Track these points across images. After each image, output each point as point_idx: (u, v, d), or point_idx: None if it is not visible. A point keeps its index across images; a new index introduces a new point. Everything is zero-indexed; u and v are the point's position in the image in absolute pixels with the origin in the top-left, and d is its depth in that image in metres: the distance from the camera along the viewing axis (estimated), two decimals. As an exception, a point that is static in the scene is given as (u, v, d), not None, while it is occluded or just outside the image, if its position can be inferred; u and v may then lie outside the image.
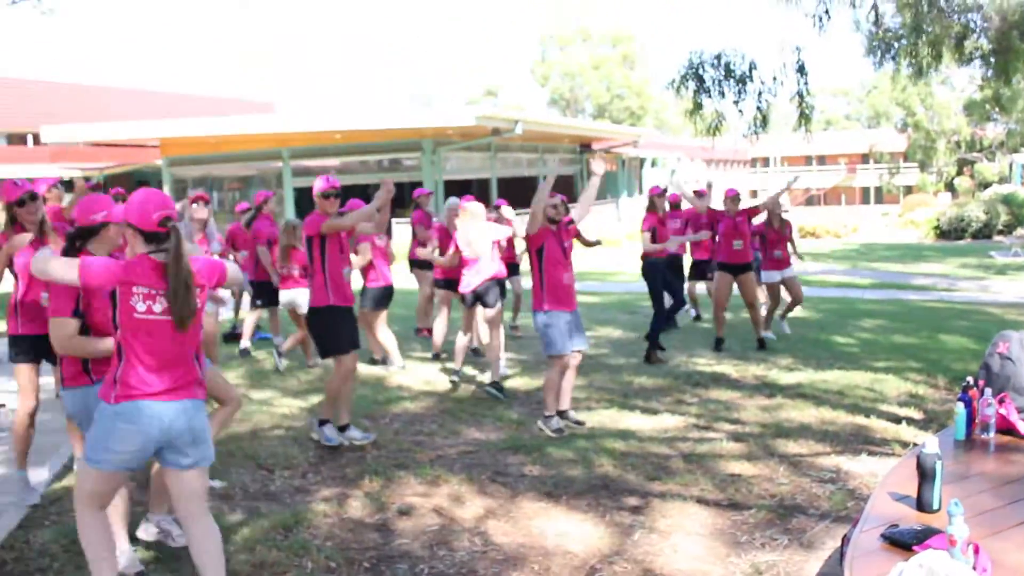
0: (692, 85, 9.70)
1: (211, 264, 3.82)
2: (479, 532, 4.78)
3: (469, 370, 8.62)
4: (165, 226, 3.56)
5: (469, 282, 7.89)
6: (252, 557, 4.41)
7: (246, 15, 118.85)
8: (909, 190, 50.44)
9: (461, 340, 8.17)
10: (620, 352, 9.58)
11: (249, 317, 9.88)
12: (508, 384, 8.01)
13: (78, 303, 3.92)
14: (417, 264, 10.37)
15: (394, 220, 17.20)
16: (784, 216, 10.43)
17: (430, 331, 9.98)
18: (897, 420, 6.67)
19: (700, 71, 9.62)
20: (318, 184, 6.25)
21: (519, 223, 8.91)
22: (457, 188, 22.85)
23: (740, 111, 9.70)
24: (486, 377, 8.20)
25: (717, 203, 10.51)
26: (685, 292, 11.12)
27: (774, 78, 9.47)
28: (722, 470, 5.65)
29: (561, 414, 6.73)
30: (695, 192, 12.06)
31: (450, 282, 8.68)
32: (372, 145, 24.71)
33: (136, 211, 3.57)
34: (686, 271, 11.55)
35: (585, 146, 34.56)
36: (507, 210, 9.41)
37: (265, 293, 9.49)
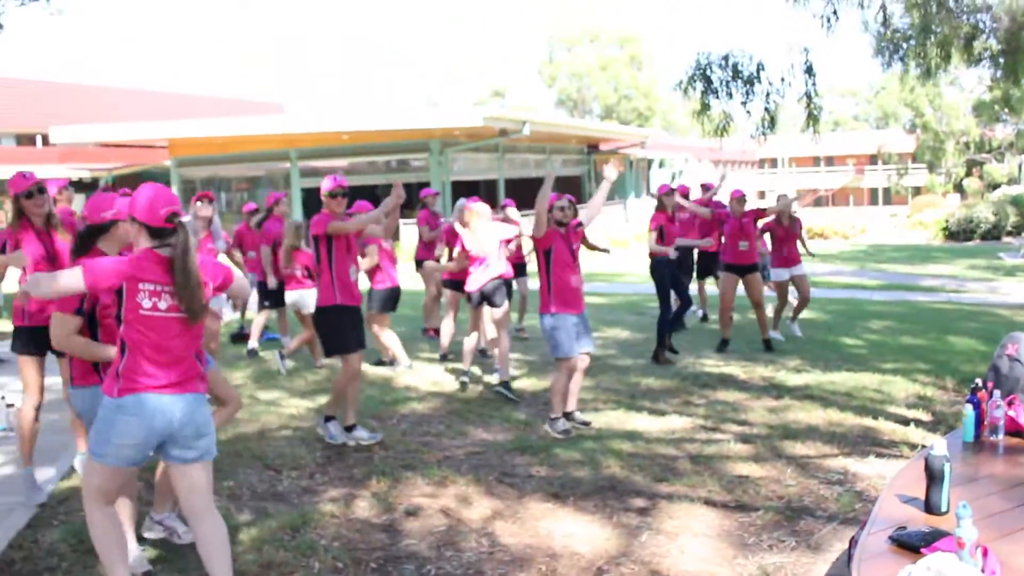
0: (700, 86, 9.68)
1: (216, 264, 3.83)
2: (486, 533, 4.77)
3: (476, 370, 8.63)
4: (172, 222, 3.57)
5: (476, 279, 7.89)
6: (259, 557, 4.41)
7: (246, 15, 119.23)
8: (917, 191, 50.36)
9: (469, 342, 8.17)
10: (627, 353, 9.57)
11: (258, 318, 9.90)
12: (515, 385, 8.00)
13: (83, 302, 3.93)
14: (423, 264, 10.37)
15: (402, 221, 17.24)
16: (793, 214, 10.41)
17: (437, 331, 9.99)
18: (905, 422, 6.65)
19: (708, 72, 9.60)
20: (325, 183, 6.27)
21: (525, 223, 8.93)
22: (464, 189, 22.87)
23: (748, 112, 9.68)
24: (493, 378, 8.21)
25: (723, 197, 10.51)
26: (694, 291, 11.11)
27: (782, 79, 9.45)
28: (729, 471, 5.64)
29: (567, 415, 6.73)
30: (702, 185, 12.02)
31: (458, 283, 8.69)
32: (380, 146, 24.73)
33: (144, 207, 3.58)
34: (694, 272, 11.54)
35: (592, 147, 34.53)
36: (513, 211, 9.41)
37: (273, 294, 9.51)
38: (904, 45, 11.41)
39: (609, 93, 64.52)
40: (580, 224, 6.82)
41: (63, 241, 5.24)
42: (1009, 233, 29.16)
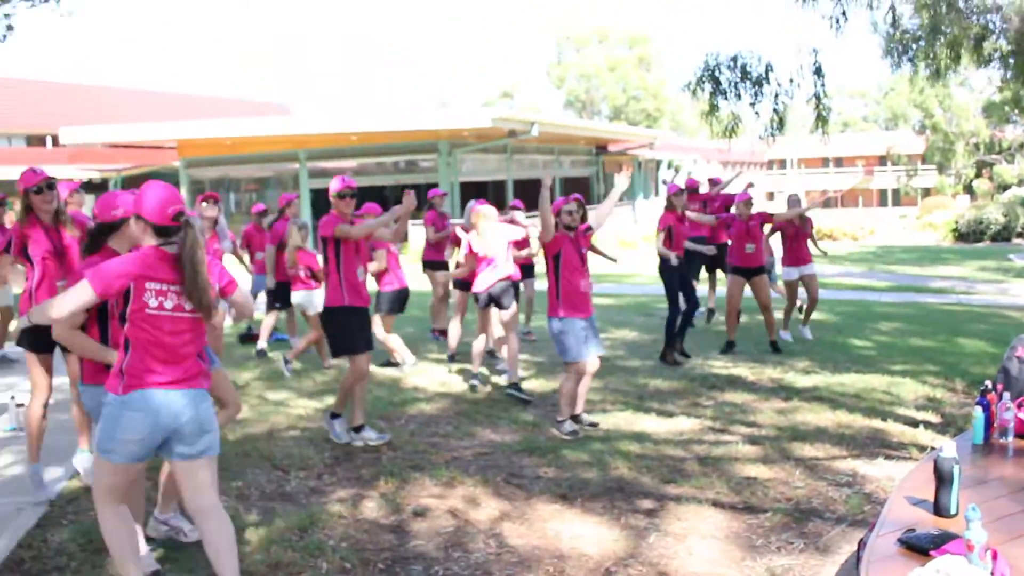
0: (708, 87, 9.69)
1: (222, 269, 3.84)
2: (494, 534, 4.77)
3: (484, 371, 8.62)
4: (178, 220, 3.59)
5: (483, 280, 7.89)
6: (267, 557, 4.42)
7: (246, 15, 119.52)
8: (927, 192, 50.22)
9: (478, 345, 8.17)
10: (635, 354, 9.57)
11: (267, 319, 9.92)
12: (523, 386, 8.00)
13: None
14: (430, 265, 10.39)
15: (410, 222, 17.32)
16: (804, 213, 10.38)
17: (444, 332, 10.00)
18: (914, 424, 6.62)
19: (716, 73, 9.61)
20: (334, 184, 6.28)
21: (532, 229, 8.95)
22: (473, 190, 22.91)
23: (756, 113, 9.69)
24: (501, 379, 8.21)
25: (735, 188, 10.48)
26: (703, 291, 11.08)
27: (791, 80, 9.46)
28: (738, 473, 5.63)
29: (575, 418, 6.73)
30: (709, 180, 12.00)
31: (466, 283, 8.69)
32: (388, 147, 24.79)
33: (151, 206, 3.59)
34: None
35: (601, 148, 34.54)
36: (520, 216, 9.42)
37: (283, 295, 9.53)
38: (913, 46, 11.39)
39: (618, 94, 64.50)
40: (590, 228, 6.83)
41: (72, 237, 5.25)
42: (1019, 234, 29.07)
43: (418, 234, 18.58)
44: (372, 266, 8.27)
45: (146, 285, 3.52)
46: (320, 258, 6.78)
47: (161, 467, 4.62)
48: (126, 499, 3.79)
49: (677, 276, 9.09)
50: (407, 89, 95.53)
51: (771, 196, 52.59)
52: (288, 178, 26.01)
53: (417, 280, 10.86)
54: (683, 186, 9.71)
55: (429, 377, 8.57)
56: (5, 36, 14.72)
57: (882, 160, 55.90)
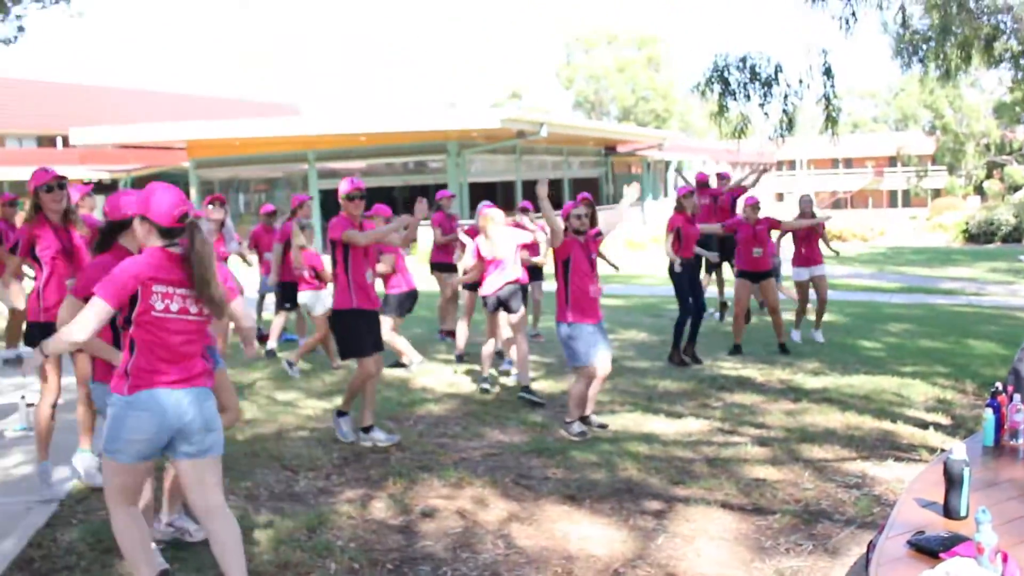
0: (717, 88, 9.67)
1: (227, 274, 3.84)
2: (502, 535, 4.78)
3: (493, 372, 8.62)
4: (183, 222, 3.60)
5: (491, 283, 7.90)
6: (276, 558, 4.43)
7: (246, 15, 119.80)
8: (937, 193, 50.01)
9: (487, 349, 8.16)
10: (644, 355, 9.56)
11: (277, 319, 9.94)
12: (532, 387, 7.99)
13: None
14: (437, 267, 10.39)
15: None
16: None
17: (452, 334, 10.00)
18: (924, 425, 6.60)
19: (725, 74, 9.59)
20: (343, 186, 6.28)
21: (540, 233, 8.96)
22: (482, 190, 22.92)
23: (766, 114, 9.66)
24: (510, 380, 8.21)
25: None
26: (712, 293, 11.06)
27: (800, 81, 9.42)
28: (746, 474, 5.62)
29: (584, 419, 6.72)
30: (718, 175, 12.00)
31: (473, 284, 8.69)
32: (397, 147, 24.81)
33: (158, 207, 3.60)
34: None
35: (610, 149, 34.52)
36: (527, 220, 9.42)
37: (291, 296, 9.54)
38: (924, 46, 11.36)
39: (626, 95, 64.43)
40: (600, 233, 6.84)
41: (81, 236, 5.26)
42: (1030, 236, 28.95)
43: (426, 236, 18.62)
44: (379, 267, 8.27)
45: (153, 288, 3.52)
46: (328, 260, 6.79)
47: (165, 473, 4.63)
48: (137, 499, 3.81)
49: (687, 277, 9.08)
50: (407, 89, 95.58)
51: (780, 197, 52.44)
52: (297, 179, 26.05)
53: (425, 282, 10.87)
54: (693, 182, 9.69)
55: (437, 378, 8.58)
56: (16, 37, 14.81)
57: (892, 161, 55.72)
